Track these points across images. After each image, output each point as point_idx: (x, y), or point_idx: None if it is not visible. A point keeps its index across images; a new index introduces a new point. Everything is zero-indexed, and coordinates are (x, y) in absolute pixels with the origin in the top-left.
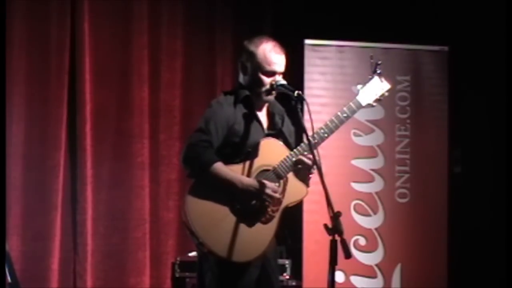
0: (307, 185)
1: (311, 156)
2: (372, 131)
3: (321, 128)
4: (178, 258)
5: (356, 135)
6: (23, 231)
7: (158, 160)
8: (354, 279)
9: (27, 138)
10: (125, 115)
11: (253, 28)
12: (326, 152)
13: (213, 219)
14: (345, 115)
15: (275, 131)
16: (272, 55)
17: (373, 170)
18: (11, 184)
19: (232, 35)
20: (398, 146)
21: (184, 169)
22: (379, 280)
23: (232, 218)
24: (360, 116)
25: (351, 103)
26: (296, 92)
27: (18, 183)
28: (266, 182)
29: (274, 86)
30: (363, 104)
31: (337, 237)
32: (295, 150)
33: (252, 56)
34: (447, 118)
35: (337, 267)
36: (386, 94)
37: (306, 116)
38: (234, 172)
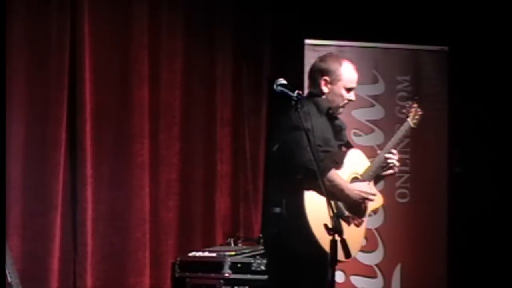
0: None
1: (395, 152)
2: (372, 131)
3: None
4: (178, 258)
5: (356, 135)
6: (23, 231)
7: (158, 160)
8: (354, 279)
9: (27, 138)
10: (125, 115)
11: (253, 28)
12: None
13: (323, 218)
14: (402, 134)
15: (343, 142)
16: (353, 74)
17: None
18: (11, 184)
19: (232, 35)
20: (398, 146)
21: (300, 173)
22: (379, 280)
23: (336, 220)
24: (360, 116)
25: (405, 124)
26: (296, 92)
27: (18, 183)
28: (364, 185)
29: (274, 86)
30: (412, 126)
31: (337, 237)
32: (375, 160)
33: (335, 73)
34: (447, 118)
35: (337, 267)
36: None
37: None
38: (343, 179)
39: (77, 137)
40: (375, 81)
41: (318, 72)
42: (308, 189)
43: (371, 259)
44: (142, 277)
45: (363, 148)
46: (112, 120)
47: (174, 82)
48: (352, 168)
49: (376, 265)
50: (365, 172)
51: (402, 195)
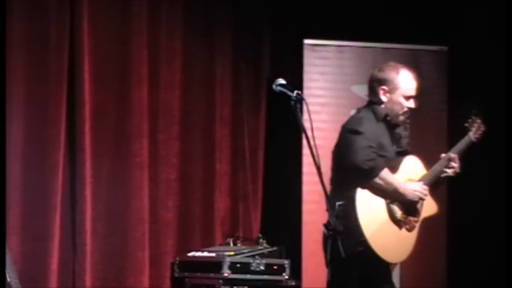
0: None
1: (456, 160)
2: None
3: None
4: (177, 258)
5: None
6: (22, 231)
7: (157, 160)
8: None
9: (26, 138)
10: (124, 115)
11: (253, 28)
12: (326, 152)
13: (375, 219)
14: (461, 147)
15: (401, 149)
16: (411, 82)
17: None
18: (11, 184)
19: (231, 35)
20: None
21: (355, 172)
22: None
23: (388, 221)
24: None
25: (466, 137)
26: (295, 92)
27: (17, 183)
28: (417, 184)
29: (273, 86)
30: (473, 140)
31: (329, 235)
32: (433, 168)
33: (393, 82)
34: (446, 118)
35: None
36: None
37: (305, 116)
38: (395, 178)
39: (76, 137)
40: None
41: (377, 82)
42: (362, 187)
43: None
44: (141, 277)
45: None
46: (111, 119)
47: (173, 82)
48: (408, 174)
49: None
50: (421, 179)
51: None
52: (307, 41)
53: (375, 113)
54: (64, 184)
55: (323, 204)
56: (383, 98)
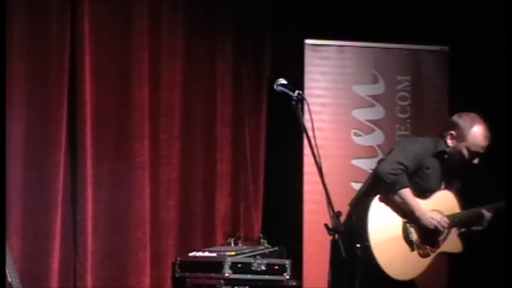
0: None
1: (489, 215)
2: (373, 131)
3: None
4: (178, 258)
5: (356, 135)
6: (23, 231)
7: (158, 160)
8: None
9: (27, 138)
10: (125, 115)
11: (253, 28)
12: (327, 152)
13: (386, 231)
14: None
15: (450, 188)
16: (483, 141)
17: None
18: (11, 184)
19: (232, 35)
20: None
21: (377, 183)
22: None
23: (400, 238)
24: (360, 116)
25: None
26: (296, 92)
27: (18, 183)
28: (438, 214)
29: (274, 86)
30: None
31: (337, 237)
32: (467, 210)
33: (463, 132)
34: (447, 118)
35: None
36: None
37: (306, 116)
38: (416, 201)
39: (77, 137)
40: (375, 81)
41: (450, 125)
42: (381, 199)
43: None
44: (142, 277)
45: (363, 148)
46: (112, 120)
47: (174, 82)
48: (436, 205)
49: None
50: (450, 216)
51: None
52: (308, 41)
53: (435, 146)
54: (65, 184)
55: (324, 204)
56: (449, 142)
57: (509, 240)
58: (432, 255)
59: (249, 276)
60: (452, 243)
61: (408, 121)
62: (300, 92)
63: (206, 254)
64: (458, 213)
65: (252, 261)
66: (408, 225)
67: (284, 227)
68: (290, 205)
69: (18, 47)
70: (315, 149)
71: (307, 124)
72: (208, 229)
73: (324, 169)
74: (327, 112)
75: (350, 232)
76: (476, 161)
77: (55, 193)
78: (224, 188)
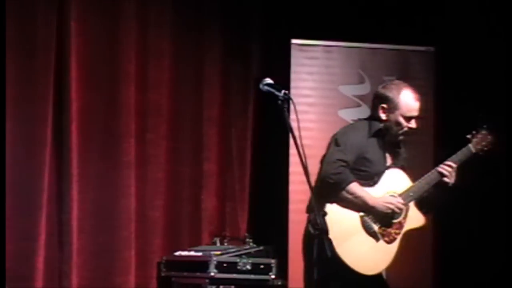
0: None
1: (452, 165)
2: None
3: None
4: (164, 258)
5: None
6: (8, 230)
7: (145, 159)
8: None
9: (13, 136)
10: (112, 114)
11: (241, 28)
12: (313, 152)
13: (347, 231)
14: (458, 158)
15: (396, 166)
16: (415, 103)
17: None
18: None
19: (220, 35)
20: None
21: (323, 186)
22: None
23: (362, 233)
24: (346, 116)
25: (464, 149)
26: (282, 91)
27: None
28: (392, 197)
29: (260, 85)
30: (474, 151)
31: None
32: (418, 181)
33: (393, 102)
34: (433, 118)
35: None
36: (490, 147)
37: (293, 116)
38: (366, 191)
39: (63, 136)
40: (361, 81)
41: (378, 99)
42: (331, 201)
43: None
44: (128, 276)
45: None
46: (99, 119)
47: (161, 81)
48: (388, 188)
49: None
50: (403, 192)
51: None
52: (295, 41)
53: (369, 128)
54: (50, 183)
55: None
56: (382, 116)
57: (496, 242)
58: (399, 238)
59: (235, 276)
60: (414, 219)
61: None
62: (287, 92)
63: (192, 253)
64: (411, 186)
65: (238, 260)
66: (365, 218)
67: (270, 227)
68: (276, 204)
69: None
70: (301, 149)
71: (293, 124)
72: (194, 228)
73: (310, 169)
74: (313, 112)
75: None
76: (413, 124)
77: (41, 192)
78: (210, 187)
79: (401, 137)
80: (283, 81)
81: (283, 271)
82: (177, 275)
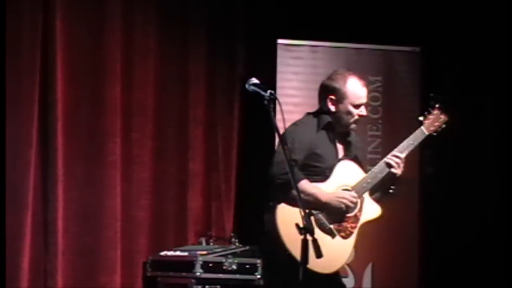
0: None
1: (399, 156)
2: None
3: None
4: (150, 257)
5: None
6: None
7: (130, 159)
8: None
9: None
10: (97, 114)
11: (227, 27)
12: None
13: (294, 230)
14: (411, 142)
15: (348, 158)
16: (361, 90)
17: None
18: None
19: (205, 35)
20: (369, 146)
21: (271, 186)
22: (350, 279)
23: (317, 231)
24: None
25: (415, 133)
26: (268, 91)
27: None
28: (344, 191)
29: (246, 85)
30: (427, 133)
31: (308, 237)
32: (371, 171)
33: (340, 92)
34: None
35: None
36: (444, 126)
37: (278, 116)
38: (317, 188)
39: (48, 136)
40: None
41: (325, 91)
42: (280, 201)
43: None
44: (113, 276)
45: None
46: (84, 118)
47: (147, 81)
48: (341, 181)
49: (347, 264)
50: (357, 185)
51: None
52: (280, 41)
53: (318, 122)
54: (36, 182)
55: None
56: (331, 107)
57: (481, 240)
58: (356, 231)
59: (221, 276)
60: (369, 210)
61: (380, 121)
62: (272, 91)
63: (178, 253)
64: (364, 178)
65: (224, 260)
66: (319, 215)
67: (255, 227)
68: (262, 204)
69: None
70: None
71: (279, 124)
72: (180, 228)
73: (296, 168)
74: (299, 112)
75: (268, 243)
76: (363, 111)
77: (26, 192)
78: (196, 187)
79: (352, 126)
80: (269, 81)
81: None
82: (162, 275)
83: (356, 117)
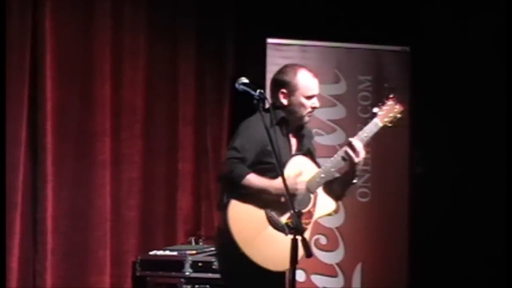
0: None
1: (355, 147)
2: (334, 130)
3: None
4: (139, 257)
5: (318, 134)
6: None
7: (120, 159)
8: (315, 278)
9: None
10: (86, 113)
11: (216, 27)
12: None
13: (253, 229)
14: (365, 134)
15: (302, 152)
16: (313, 81)
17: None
18: None
19: (195, 34)
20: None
21: (221, 187)
22: (339, 279)
23: (270, 229)
24: (322, 115)
25: (370, 124)
26: (258, 91)
27: None
28: (296, 181)
29: (236, 84)
30: (381, 125)
31: (298, 236)
32: (324, 166)
33: (291, 85)
34: (408, 118)
35: (298, 266)
36: (399, 116)
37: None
38: (267, 180)
39: (37, 135)
40: (337, 80)
41: (276, 85)
42: (231, 198)
43: (331, 258)
44: (102, 276)
45: (325, 148)
46: (74, 117)
47: (136, 80)
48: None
49: (337, 264)
50: (310, 180)
51: (363, 195)
52: (270, 40)
53: (271, 117)
54: (25, 182)
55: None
56: (284, 101)
57: (470, 240)
58: (310, 226)
59: (210, 275)
60: (323, 206)
61: (370, 120)
62: (262, 91)
63: (167, 253)
64: (318, 173)
65: (213, 260)
66: (271, 213)
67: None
68: None
69: None
70: (276, 148)
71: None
72: (169, 228)
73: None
74: None
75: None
76: (316, 103)
77: (15, 191)
78: (185, 187)
79: (306, 119)
80: (259, 80)
81: None
82: (152, 274)
83: (309, 109)
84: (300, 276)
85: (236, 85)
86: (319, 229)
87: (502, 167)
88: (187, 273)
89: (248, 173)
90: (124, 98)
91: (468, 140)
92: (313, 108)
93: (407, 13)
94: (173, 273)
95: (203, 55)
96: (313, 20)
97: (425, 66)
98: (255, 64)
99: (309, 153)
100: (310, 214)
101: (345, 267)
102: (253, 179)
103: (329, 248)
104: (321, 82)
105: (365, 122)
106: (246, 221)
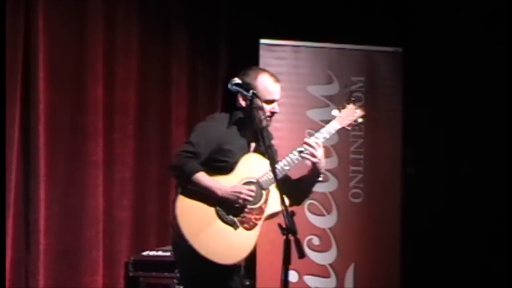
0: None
1: (312, 145)
2: None
3: (298, 150)
4: (132, 257)
5: (310, 135)
6: None
7: (112, 159)
8: (308, 279)
9: None
10: (79, 114)
11: (209, 28)
12: (282, 152)
13: (202, 223)
14: (323, 135)
15: (259, 153)
16: (272, 85)
17: (327, 170)
18: None
19: (187, 35)
20: (352, 146)
21: (173, 177)
22: (332, 280)
23: (219, 223)
24: (315, 116)
25: (328, 126)
26: (251, 91)
27: None
28: (241, 186)
29: (229, 85)
30: (339, 127)
31: (290, 237)
32: (278, 163)
33: (251, 87)
34: (401, 118)
35: (290, 266)
36: (360, 120)
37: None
38: (216, 181)
39: (30, 135)
40: (329, 81)
41: (236, 88)
42: (179, 193)
43: (324, 258)
44: (95, 276)
45: None
46: (66, 118)
47: (129, 81)
48: (245, 173)
49: (330, 264)
50: (262, 177)
51: (356, 195)
52: (263, 41)
53: (230, 118)
54: (17, 182)
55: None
56: (242, 103)
57: (462, 241)
58: (260, 223)
59: None
60: (275, 202)
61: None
62: (255, 91)
63: (160, 253)
64: (270, 170)
65: None
66: (219, 208)
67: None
68: None
69: None
70: (268, 149)
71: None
72: (162, 228)
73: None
74: (281, 112)
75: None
76: (275, 108)
77: (7, 192)
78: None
79: (264, 123)
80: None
81: (251, 271)
82: (145, 275)
83: (268, 113)
84: (293, 276)
85: (229, 85)
86: (312, 229)
87: (496, 167)
88: (179, 274)
89: (198, 170)
90: (116, 98)
91: (461, 140)
92: (272, 113)
93: (399, 14)
94: (166, 274)
95: (196, 55)
96: (305, 20)
97: (417, 67)
98: (248, 65)
99: (268, 154)
100: (261, 210)
101: (338, 268)
102: (202, 178)
103: (322, 248)
104: (313, 83)
105: (358, 123)
106: (194, 215)
